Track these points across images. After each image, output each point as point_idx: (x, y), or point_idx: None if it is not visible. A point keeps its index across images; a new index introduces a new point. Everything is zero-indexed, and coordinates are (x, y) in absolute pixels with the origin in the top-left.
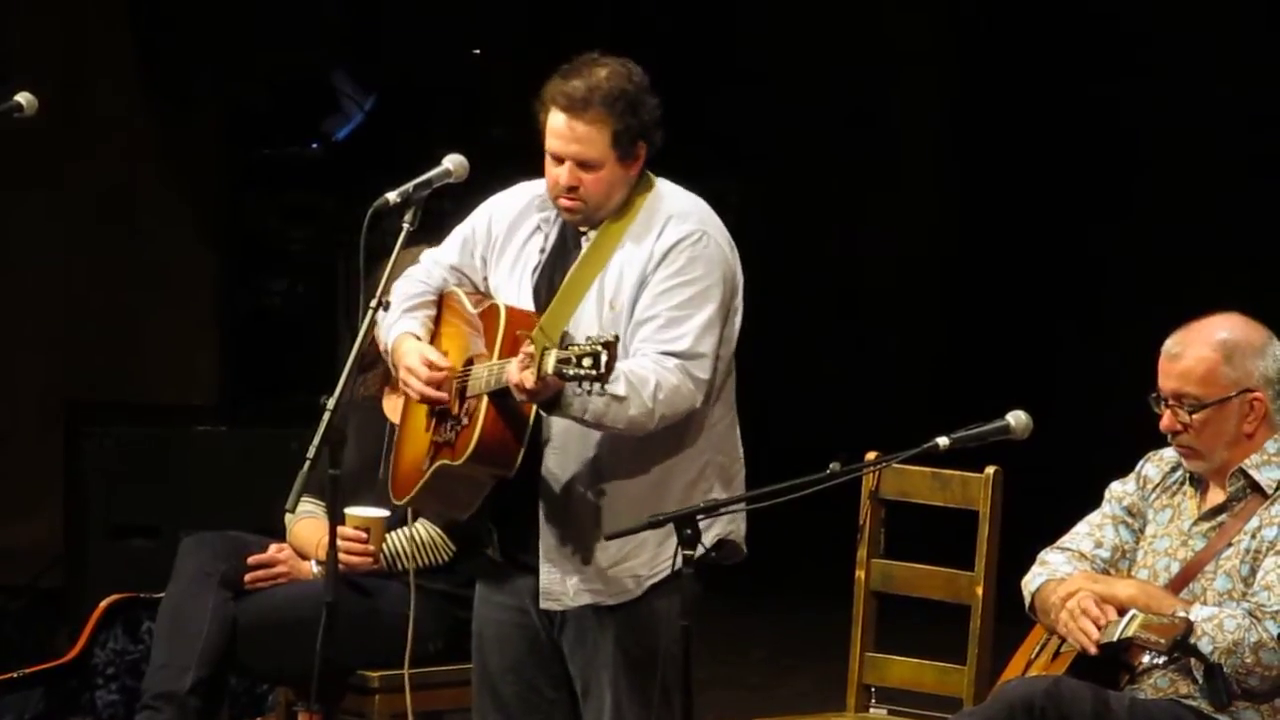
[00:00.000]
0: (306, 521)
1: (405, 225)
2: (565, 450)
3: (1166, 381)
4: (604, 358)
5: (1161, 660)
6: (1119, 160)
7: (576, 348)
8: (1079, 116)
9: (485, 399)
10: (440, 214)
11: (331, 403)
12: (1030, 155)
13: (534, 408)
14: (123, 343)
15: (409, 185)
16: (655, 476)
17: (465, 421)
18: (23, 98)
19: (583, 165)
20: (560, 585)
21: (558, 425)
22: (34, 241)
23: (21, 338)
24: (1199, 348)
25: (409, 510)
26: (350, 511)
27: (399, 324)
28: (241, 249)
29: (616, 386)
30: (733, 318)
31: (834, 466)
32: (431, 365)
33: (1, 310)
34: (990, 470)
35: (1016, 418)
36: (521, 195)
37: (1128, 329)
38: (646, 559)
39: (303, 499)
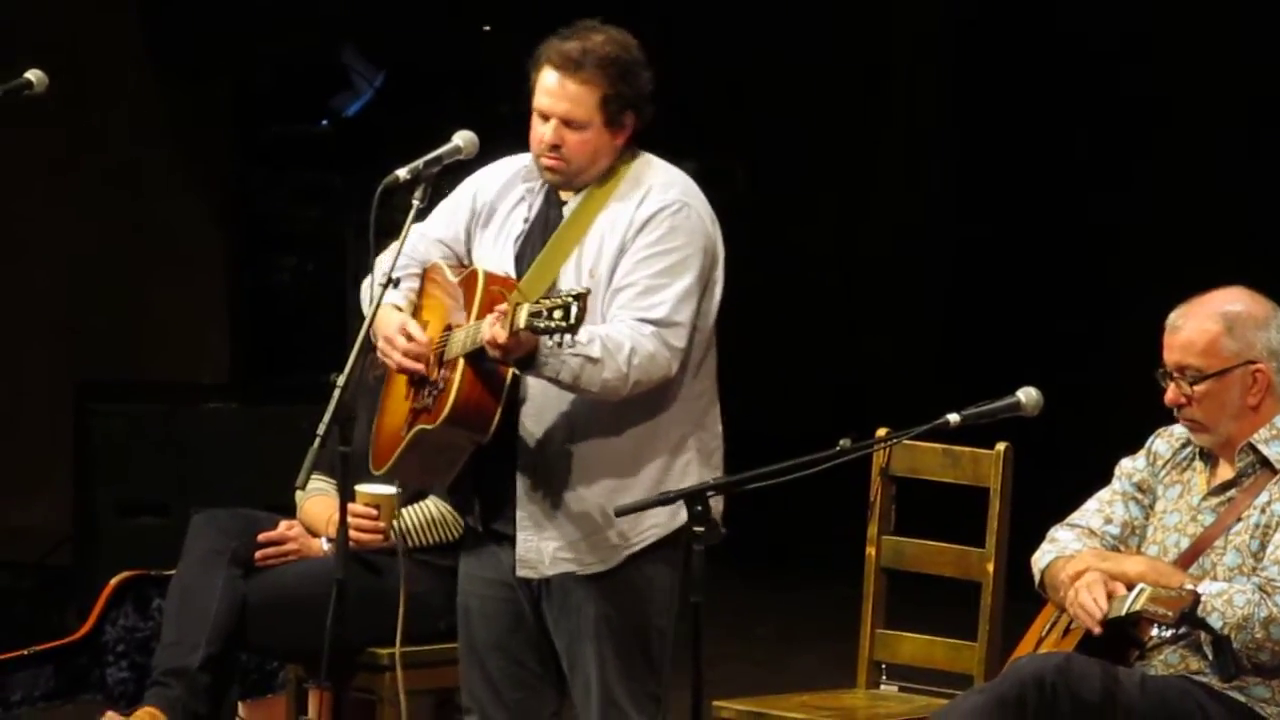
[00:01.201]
0: (317, 499)
1: (415, 202)
2: (542, 417)
3: (1169, 354)
4: (574, 309)
5: (1170, 634)
6: (1129, 131)
7: (547, 300)
8: (1087, 84)
9: (462, 362)
10: (450, 191)
11: (342, 380)
12: (1040, 127)
13: (510, 371)
14: (132, 321)
15: (419, 162)
16: (633, 446)
17: (442, 386)
18: (32, 75)
19: (568, 124)
20: (536, 553)
21: (535, 391)
22: (43, 221)
23: (31, 316)
24: (1200, 320)
25: (396, 484)
26: (361, 489)
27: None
28: (250, 227)
29: (591, 349)
30: (712, 291)
31: (844, 443)
32: (410, 337)
33: (11, 289)
34: (1001, 447)
35: (1027, 394)
36: (507, 167)
37: (1139, 305)
38: (625, 529)
39: (313, 476)
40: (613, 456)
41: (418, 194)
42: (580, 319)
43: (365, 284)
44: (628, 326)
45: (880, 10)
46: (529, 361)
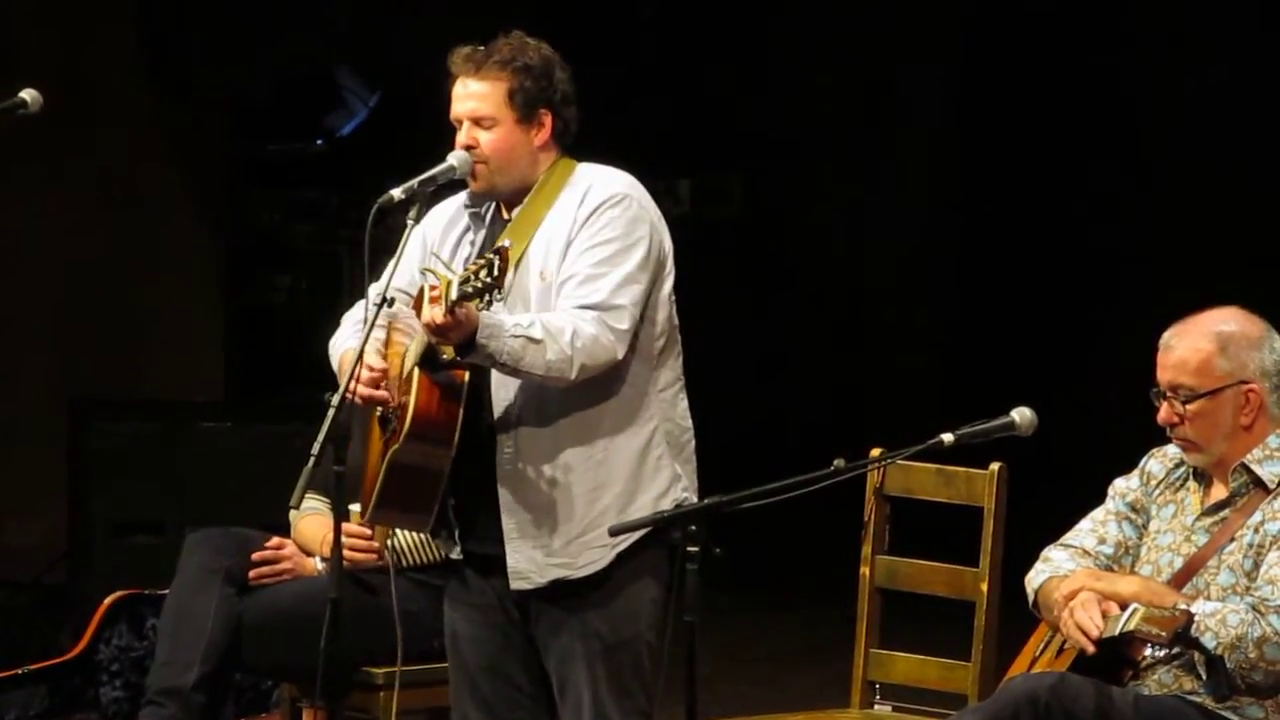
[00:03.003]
0: (311, 518)
1: (410, 221)
2: (513, 426)
3: (1163, 374)
4: (496, 263)
5: (1163, 654)
6: (1127, 153)
7: (472, 266)
8: (1085, 107)
9: (416, 372)
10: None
11: (336, 399)
12: (1036, 148)
13: (466, 375)
14: (126, 338)
15: (413, 181)
16: (604, 443)
17: (404, 404)
18: (27, 94)
19: (478, 123)
20: (527, 563)
21: (503, 401)
22: (37, 237)
23: (25, 333)
24: (1194, 339)
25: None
26: (355, 508)
27: (347, 343)
28: (246, 245)
29: (533, 330)
30: (662, 283)
31: (839, 463)
32: (370, 367)
33: (5, 306)
34: (995, 466)
35: (1021, 414)
36: (450, 204)
37: (1133, 324)
38: (609, 527)
39: (307, 495)
40: (587, 455)
41: (412, 213)
42: (504, 270)
43: (332, 343)
44: (568, 312)
45: (883, 18)
46: (470, 345)
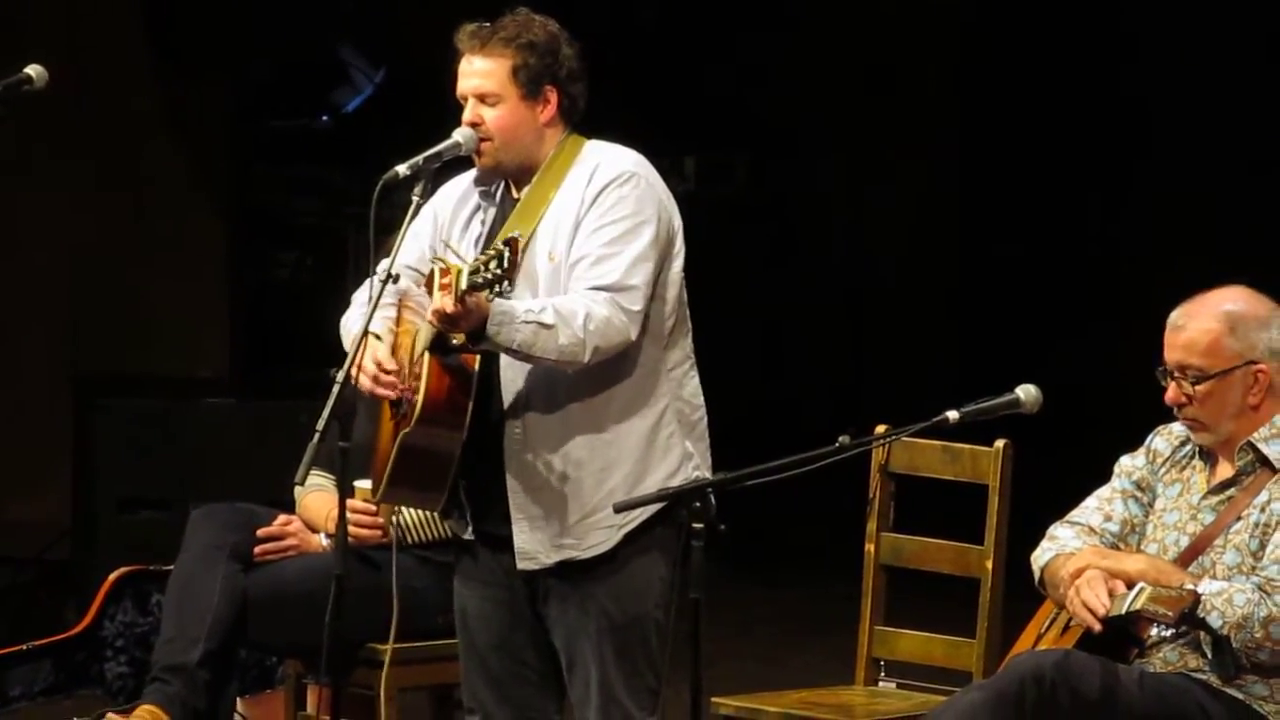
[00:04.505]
0: (316, 494)
1: (415, 198)
2: (522, 406)
3: (1171, 353)
4: (506, 254)
5: (1170, 633)
6: (1130, 130)
7: (482, 256)
8: (1087, 87)
9: (427, 357)
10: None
11: (341, 375)
12: (1043, 122)
13: (477, 361)
14: (131, 316)
15: (418, 158)
16: (614, 423)
17: (415, 388)
18: (32, 70)
19: (483, 99)
20: (534, 544)
21: (511, 382)
22: (41, 215)
23: (30, 312)
24: (1203, 319)
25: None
26: (360, 484)
27: (358, 323)
28: (250, 222)
29: (544, 316)
30: (672, 262)
31: (844, 440)
32: (379, 365)
33: (10, 284)
34: (1000, 444)
35: (1026, 391)
36: (461, 181)
37: (1139, 301)
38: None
39: (312, 472)
40: (595, 435)
41: (417, 190)
42: (513, 262)
43: (343, 322)
44: (581, 294)
45: (885, 9)
46: (480, 333)
